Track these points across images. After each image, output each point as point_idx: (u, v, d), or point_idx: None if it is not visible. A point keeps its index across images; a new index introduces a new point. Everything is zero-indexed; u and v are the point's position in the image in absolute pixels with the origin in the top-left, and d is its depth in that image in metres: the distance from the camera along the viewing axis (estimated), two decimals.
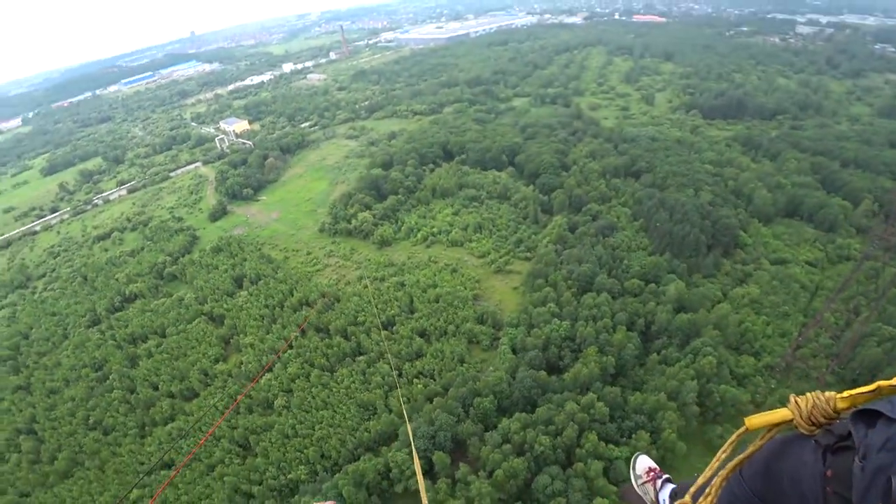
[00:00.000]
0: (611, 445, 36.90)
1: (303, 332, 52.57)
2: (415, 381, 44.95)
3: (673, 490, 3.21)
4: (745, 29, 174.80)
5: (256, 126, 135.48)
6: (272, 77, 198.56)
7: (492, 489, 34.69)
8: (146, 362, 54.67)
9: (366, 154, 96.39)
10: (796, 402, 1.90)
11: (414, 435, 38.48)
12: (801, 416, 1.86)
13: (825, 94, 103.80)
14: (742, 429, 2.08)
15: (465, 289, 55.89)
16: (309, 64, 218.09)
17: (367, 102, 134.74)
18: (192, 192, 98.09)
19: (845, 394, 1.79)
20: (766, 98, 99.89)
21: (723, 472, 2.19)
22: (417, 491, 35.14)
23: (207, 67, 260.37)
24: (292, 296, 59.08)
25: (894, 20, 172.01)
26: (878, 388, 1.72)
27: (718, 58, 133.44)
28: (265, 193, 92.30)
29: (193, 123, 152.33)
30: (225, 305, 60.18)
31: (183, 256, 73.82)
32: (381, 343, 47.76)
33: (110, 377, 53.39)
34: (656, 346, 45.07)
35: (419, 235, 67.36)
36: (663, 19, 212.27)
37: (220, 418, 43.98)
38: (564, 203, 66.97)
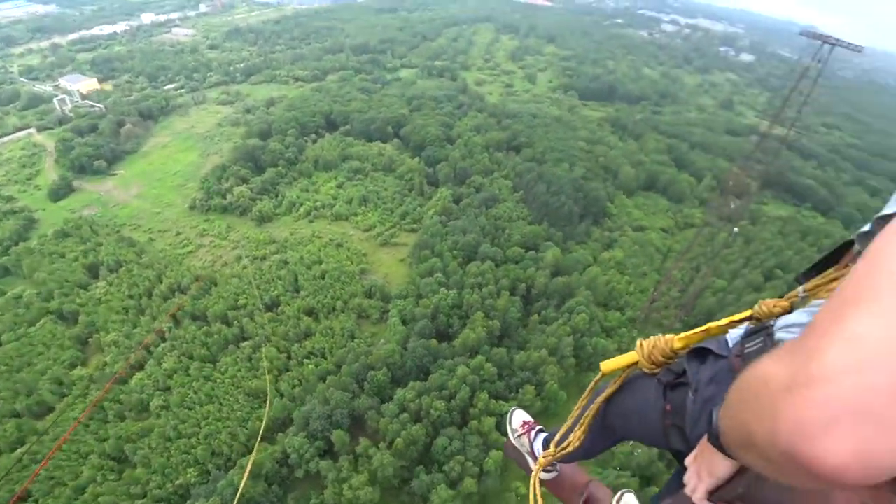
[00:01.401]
0: (500, 401, 39.56)
1: (176, 322, 47.83)
2: (305, 361, 43.50)
3: (545, 438, 3.28)
4: (619, 21, 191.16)
5: (108, 86, 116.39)
6: (128, 28, 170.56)
7: (393, 458, 35.28)
8: None
9: (241, 122, 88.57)
10: (641, 344, 2.04)
11: (308, 417, 37.54)
12: (644, 358, 1.99)
13: (680, 85, 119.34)
14: (599, 375, 2.21)
15: (352, 263, 54.97)
16: (174, 16, 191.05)
17: (242, 65, 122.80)
18: (24, 166, 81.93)
19: (681, 335, 1.91)
20: (633, 85, 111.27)
21: (587, 415, 2.30)
22: (319, 472, 35.25)
23: (41, 9, 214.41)
24: (161, 282, 52.95)
25: (736, 28, 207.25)
26: (708, 329, 1.82)
27: (595, 44, 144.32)
28: (123, 166, 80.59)
29: (23, 79, 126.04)
30: (78, 300, 51.82)
31: (17, 245, 61.53)
32: (265, 326, 45.30)
33: None
34: (536, 307, 48.88)
35: (301, 210, 64.33)
36: (549, 3, 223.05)
37: (70, 429, 38.14)
38: (449, 175, 68.53)
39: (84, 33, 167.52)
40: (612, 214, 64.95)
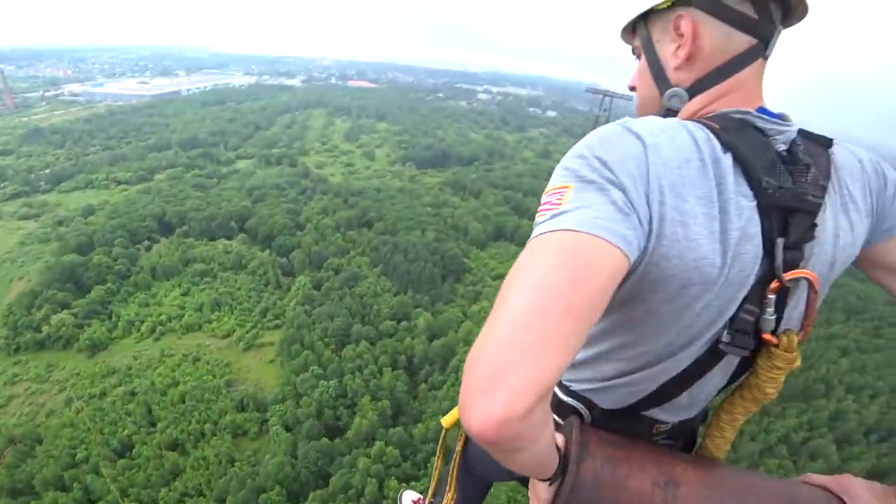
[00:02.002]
0: (412, 482, 38.42)
1: None
2: None
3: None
4: (440, 95, 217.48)
5: None
6: None
7: None
8: None
9: (52, 238, 75.90)
10: None
11: None
12: None
13: (504, 143, 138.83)
14: (443, 431, 2.26)
15: (215, 377, 49.38)
16: None
17: (48, 171, 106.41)
18: None
19: None
20: (463, 149, 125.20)
21: (451, 470, 2.38)
22: None
23: None
24: None
25: (538, 91, 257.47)
26: None
27: (422, 117, 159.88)
28: None
29: None
30: None
31: None
32: (119, 478, 38.17)
33: None
34: (422, 375, 49.35)
35: (143, 328, 56.44)
36: (374, 85, 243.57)
37: None
38: (305, 262, 67.10)
39: None
40: (471, 269, 70.49)
